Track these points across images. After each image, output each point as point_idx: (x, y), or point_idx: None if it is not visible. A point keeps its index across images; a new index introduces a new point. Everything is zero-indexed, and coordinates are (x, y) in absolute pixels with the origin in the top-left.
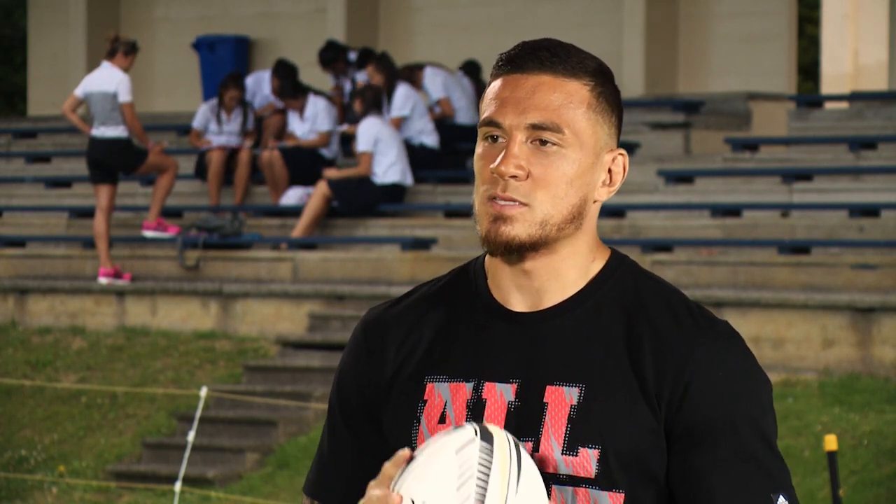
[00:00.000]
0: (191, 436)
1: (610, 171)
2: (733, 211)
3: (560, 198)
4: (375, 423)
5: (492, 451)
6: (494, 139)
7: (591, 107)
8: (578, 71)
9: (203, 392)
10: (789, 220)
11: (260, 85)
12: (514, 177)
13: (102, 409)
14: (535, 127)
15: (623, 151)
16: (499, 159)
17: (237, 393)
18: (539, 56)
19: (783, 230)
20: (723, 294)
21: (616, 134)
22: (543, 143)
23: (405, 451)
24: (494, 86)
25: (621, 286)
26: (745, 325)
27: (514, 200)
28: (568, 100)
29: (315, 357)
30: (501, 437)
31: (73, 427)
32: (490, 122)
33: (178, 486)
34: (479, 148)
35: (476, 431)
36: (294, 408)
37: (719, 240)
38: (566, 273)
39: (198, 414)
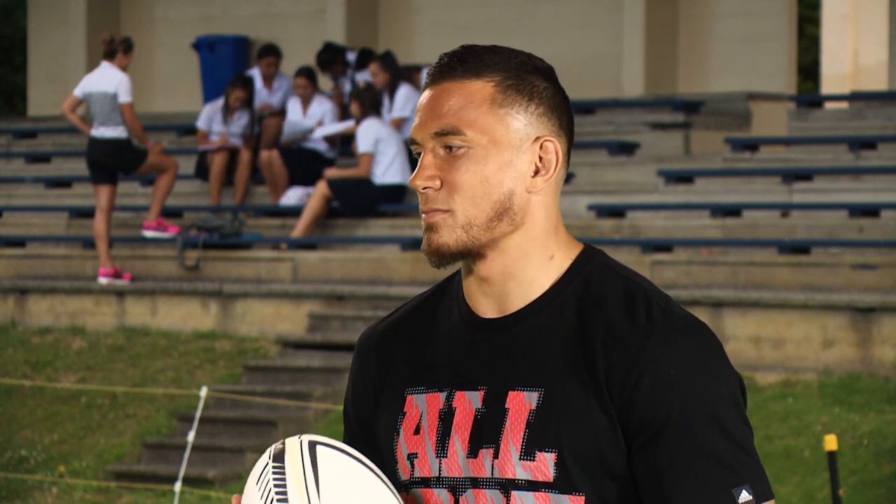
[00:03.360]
0: (191, 436)
1: (541, 158)
2: (733, 211)
3: (479, 197)
4: (374, 440)
5: (283, 467)
6: (419, 154)
7: (496, 102)
8: (481, 69)
9: (203, 392)
10: (789, 220)
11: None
12: (427, 188)
13: (102, 409)
14: (438, 134)
15: (551, 138)
16: (414, 174)
17: (237, 393)
18: (445, 65)
19: (783, 230)
20: (723, 294)
21: (543, 122)
22: (451, 147)
23: (234, 498)
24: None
25: (585, 284)
26: (745, 325)
27: (436, 209)
28: (468, 100)
29: (315, 357)
30: (293, 449)
31: (73, 427)
32: (411, 140)
33: (178, 486)
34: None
35: (270, 454)
36: (294, 408)
37: (719, 240)
38: (522, 273)
39: (198, 414)
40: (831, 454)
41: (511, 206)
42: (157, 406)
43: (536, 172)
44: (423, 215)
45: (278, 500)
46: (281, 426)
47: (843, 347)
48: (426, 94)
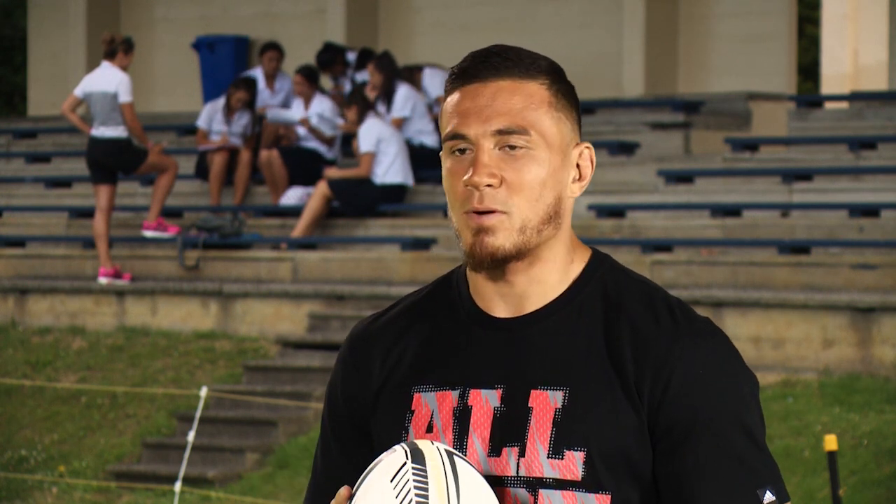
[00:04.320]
0: (191, 436)
1: (578, 165)
2: (733, 211)
3: (535, 200)
4: (365, 438)
5: (425, 470)
6: (462, 151)
7: (552, 105)
8: (533, 71)
9: (203, 392)
10: (789, 220)
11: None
12: (489, 185)
13: (102, 409)
14: (502, 132)
15: (588, 144)
16: (471, 171)
17: (237, 393)
18: (492, 62)
19: (783, 230)
20: (723, 294)
21: (578, 128)
22: (512, 147)
23: (344, 490)
24: (452, 99)
25: (602, 286)
26: (745, 325)
27: (493, 210)
28: (529, 101)
29: (315, 357)
30: (433, 453)
31: (73, 427)
32: (455, 136)
33: (178, 486)
34: (447, 163)
35: (406, 453)
36: (294, 408)
37: (719, 240)
38: (547, 277)
39: (198, 414)
40: (831, 454)
41: (558, 211)
42: (157, 406)
43: (574, 179)
44: (475, 215)
45: (419, 501)
46: (281, 426)
47: (843, 347)
48: (474, 89)
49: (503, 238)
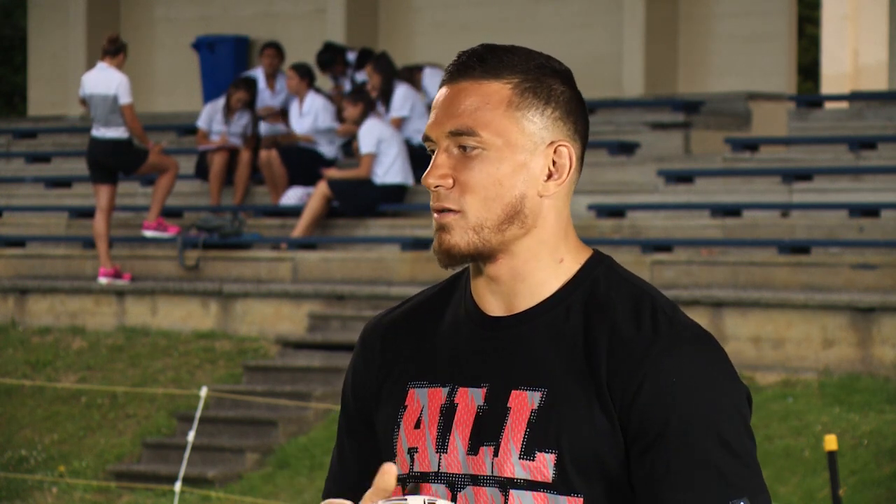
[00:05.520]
0: (191, 436)
1: (554, 163)
2: (733, 211)
3: (491, 199)
4: (373, 432)
5: None
6: (432, 151)
7: (513, 104)
8: (500, 71)
9: (203, 392)
10: (789, 220)
11: None
12: (439, 186)
13: (102, 409)
14: (453, 134)
15: (566, 143)
16: (427, 172)
17: (237, 393)
18: (464, 64)
19: (783, 230)
20: (723, 294)
21: (558, 126)
22: (465, 148)
23: (389, 469)
24: (434, 98)
25: (592, 288)
26: (745, 325)
27: (447, 209)
28: (484, 101)
29: (315, 357)
30: None
31: (73, 427)
32: (425, 137)
33: (178, 486)
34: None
35: None
36: (294, 408)
37: (719, 240)
38: (531, 275)
39: (198, 414)
40: (831, 454)
41: (522, 210)
42: (157, 406)
43: (549, 176)
44: (435, 214)
45: None
46: (281, 426)
47: (843, 347)
48: (443, 91)
49: (458, 237)
